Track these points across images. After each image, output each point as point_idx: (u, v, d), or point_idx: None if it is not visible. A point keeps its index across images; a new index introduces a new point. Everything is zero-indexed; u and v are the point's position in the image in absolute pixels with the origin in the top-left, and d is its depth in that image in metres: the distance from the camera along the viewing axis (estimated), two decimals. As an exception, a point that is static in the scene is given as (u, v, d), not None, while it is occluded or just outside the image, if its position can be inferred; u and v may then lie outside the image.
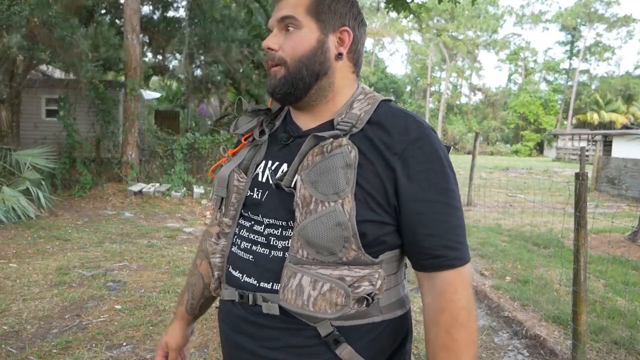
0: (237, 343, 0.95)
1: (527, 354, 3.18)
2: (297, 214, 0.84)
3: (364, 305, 0.85)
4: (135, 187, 9.36)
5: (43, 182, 7.94)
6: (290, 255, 0.86)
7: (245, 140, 1.03)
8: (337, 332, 0.86)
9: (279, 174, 0.91)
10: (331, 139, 0.85)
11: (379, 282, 0.84)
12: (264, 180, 0.94)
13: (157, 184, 9.92)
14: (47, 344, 3.05)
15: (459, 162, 19.91)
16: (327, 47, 0.92)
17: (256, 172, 0.97)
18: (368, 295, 0.84)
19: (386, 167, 0.85)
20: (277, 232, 0.90)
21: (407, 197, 0.85)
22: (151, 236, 6.35)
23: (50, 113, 11.25)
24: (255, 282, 0.91)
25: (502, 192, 11.32)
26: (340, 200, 0.81)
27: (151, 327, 3.36)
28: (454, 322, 0.83)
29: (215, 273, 1.01)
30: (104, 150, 10.74)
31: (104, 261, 5.00)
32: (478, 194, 10.74)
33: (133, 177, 9.85)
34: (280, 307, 0.87)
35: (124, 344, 3.11)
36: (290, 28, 0.91)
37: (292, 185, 0.87)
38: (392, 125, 0.88)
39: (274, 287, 0.88)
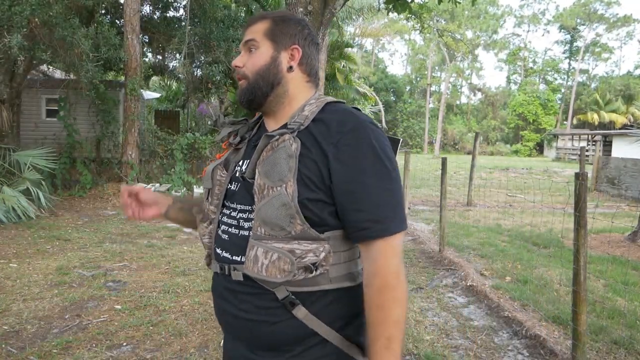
0: (222, 307, 1.16)
1: (527, 354, 3.18)
2: (256, 199, 1.04)
3: (309, 273, 1.02)
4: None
5: (43, 182, 7.94)
6: (252, 233, 1.05)
7: (224, 145, 1.25)
8: (292, 296, 1.04)
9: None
10: (278, 136, 1.05)
11: (323, 254, 1.02)
12: (238, 175, 1.15)
13: (157, 184, 9.92)
14: (47, 344, 3.05)
15: (459, 162, 19.93)
16: (279, 61, 1.13)
17: (235, 169, 1.17)
18: (312, 264, 1.01)
19: (322, 154, 1.02)
20: (245, 216, 1.10)
21: (339, 178, 1.01)
22: (151, 236, 6.35)
23: (50, 113, 11.23)
24: (230, 256, 1.11)
25: (502, 192, 11.32)
26: (284, 185, 1.00)
27: (151, 327, 3.36)
28: (384, 285, 0.99)
29: (206, 251, 1.21)
30: (104, 150, 10.74)
31: (104, 261, 5.01)
32: (478, 194, 10.74)
33: (133, 177, 9.85)
34: (244, 274, 1.06)
35: (124, 344, 3.11)
36: (252, 49, 1.14)
37: (254, 177, 1.06)
38: (331, 120, 1.06)
39: (241, 259, 1.08)
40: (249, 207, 1.08)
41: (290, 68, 1.14)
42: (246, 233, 1.08)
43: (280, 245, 1.01)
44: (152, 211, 1.36)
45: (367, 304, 1.02)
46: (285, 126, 1.11)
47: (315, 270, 1.02)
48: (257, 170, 1.05)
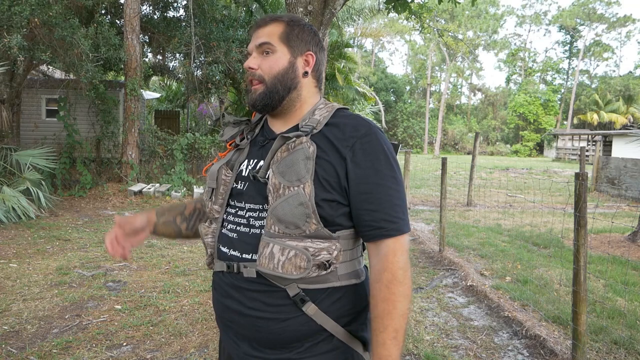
0: (226, 305, 1.16)
1: (527, 354, 3.18)
2: (270, 198, 1.06)
3: (323, 270, 1.05)
4: (136, 187, 9.36)
5: (43, 182, 7.94)
6: (265, 231, 1.07)
7: (229, 145, 1.26)
8: (303, 293, 1.06)
9: (257, 168, 1.15)
10: (294, 138, 1.08)
11: (335, 252, 1.06)
12: (245, 174, 1.16)
13: (157, 184, 9.92)
14: (47, 344, 3.05)
15: (459, 162, 19.91)
16: (296, 66, 1.16)
17: (240, 168, 1.18)
18: (326, 262, 1.05)
19: (339, 156, 1.06)
20: (255, 215, 1.11)
21: (356, 180, 1.06)
22: (151, 236, 6.34)
23: (50, 113, 11.25)
24: (239, 254, 1.12)
25: (502, 192, 11.32)
26: (302, 185, 1.03)
27: (151, 327, 3.36)
28: (393, 279, 1.03)
29: (208, 250, 1.21)
30: (104, 150, 10.74)
31: (104, 261, 5.01)
32: (478, 194, 10.74)
33: (133, 177, 9.85)
34: (257, 272, 1.08)
35: (124, 344, 3.11)
36: (267, 52, 1.14)
37: (267, 177, 1.08)
38: (344, 125, 1.10)
39: (252, 257, 1.09)
40: (260, 206, 1.10)
41: (306, 73, 1.17)
42: (257, 231, 1.10)
43: (295, 244, 1.04)
44: (140, 236, 1.36)
45: (375, 297, 1.05)
46: (296, 128, 1.14)
47: (328, 267, 1.05)
48: (271, 170, 1.07)
